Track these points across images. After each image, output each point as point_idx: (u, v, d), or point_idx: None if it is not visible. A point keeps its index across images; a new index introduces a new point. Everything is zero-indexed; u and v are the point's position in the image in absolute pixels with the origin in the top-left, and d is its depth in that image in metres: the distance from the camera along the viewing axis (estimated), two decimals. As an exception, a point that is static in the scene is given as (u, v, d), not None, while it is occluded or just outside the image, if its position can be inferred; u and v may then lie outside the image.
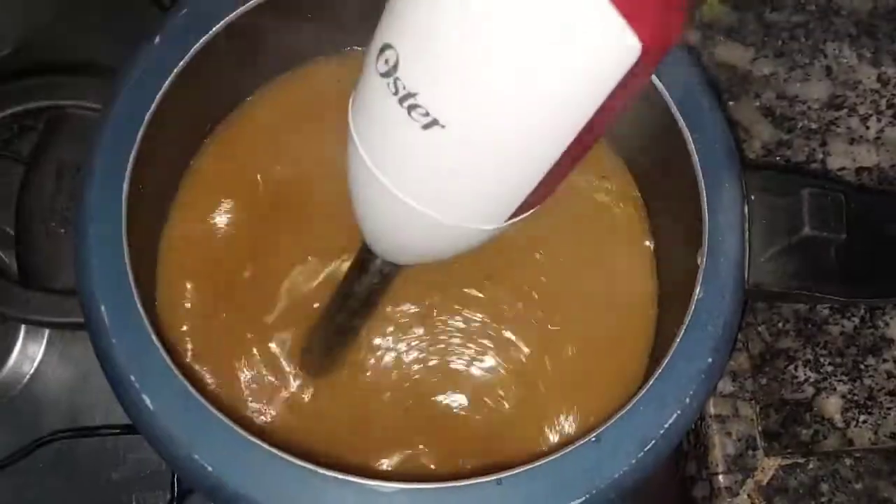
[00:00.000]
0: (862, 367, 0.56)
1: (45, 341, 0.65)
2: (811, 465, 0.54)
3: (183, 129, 0.48)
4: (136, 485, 0.62)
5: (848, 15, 0.61)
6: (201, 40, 0.44)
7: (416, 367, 0.48)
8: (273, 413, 0.46)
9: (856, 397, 0.55)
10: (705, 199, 0.42)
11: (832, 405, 0.55)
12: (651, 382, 0.39)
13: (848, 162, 0.59)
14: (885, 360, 0.56)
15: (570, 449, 0.37)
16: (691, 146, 0.43)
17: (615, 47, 0.24)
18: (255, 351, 0.47)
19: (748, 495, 0.53)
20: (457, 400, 0.47)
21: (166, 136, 0.44)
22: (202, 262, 0.48)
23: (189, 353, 0.46)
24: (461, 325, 0.48)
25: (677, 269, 0.45)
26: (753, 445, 0.54)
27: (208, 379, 0.46)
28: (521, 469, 0.37)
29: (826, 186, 0.42)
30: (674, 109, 0.44)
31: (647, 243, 0.50)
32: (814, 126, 0.59)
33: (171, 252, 0.49)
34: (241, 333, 0.47)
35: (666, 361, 0.39)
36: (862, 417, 0.55)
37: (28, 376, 0.64)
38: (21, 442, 0.57)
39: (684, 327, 0.40)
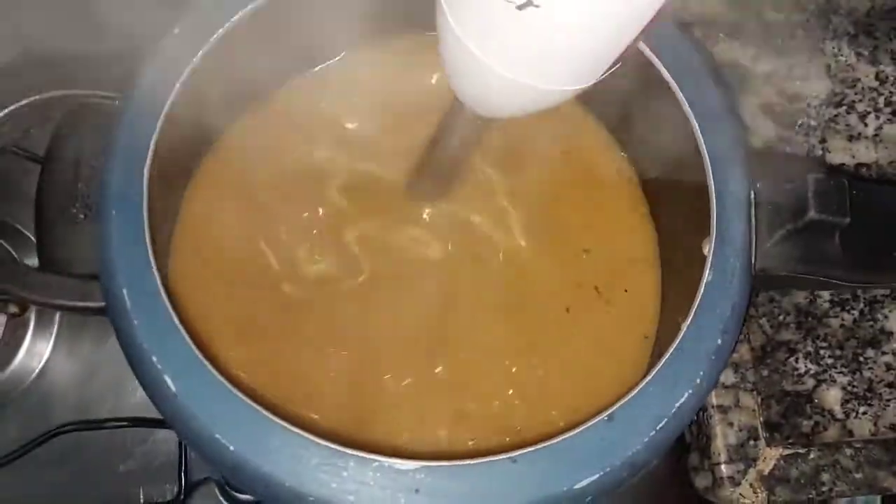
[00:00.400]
0: (861, 359, 0.57)
1: (53, 337, 0.65)
2: (812, 455, 0.54)
3: (202, 118, 0.48)
4: (144, 477, 0.63)
5: (846, 14, 0.63)
6: (224, 27, 0.45)
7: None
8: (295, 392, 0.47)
9: (855, 389, 0.56)
10: (712, 185, 0.43)
11: (832, 397, 0.56)
12: (662, 362, 0.40)
13: (847, 158, 0.60)
14: (884, 353, 0.57)
15: (583, 427, 0.38)
16: (698, 134, 0.44)
17: None
18: (271, 329, 0.48)
19: (750, 485, 0.54)
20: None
21: (187, 124, 0.45)
22: (217, 245, 0.49)
23: (208, 335, 0.46)
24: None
25: (683, 255, 0.46)
26: (755, 436, 0.55)
27: (227, 359, 0.46)
28: (536, 447, 0.37)
29: (831, 171, 0.43)
30: (681, 98, 0.45)
31: (650, 230, 0.52)
32: (813, 123, 0.60)
33: (186, 234, 0.50)
34: (255, 311, 0.48)
35: (676, 342, 0.40)
36: (862, 409, 0.56)
37: (36, 371, 0.64)
38: (30, 436, 0.57)
39: (694, 309, 0.41)
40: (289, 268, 0.49)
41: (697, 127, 0.44)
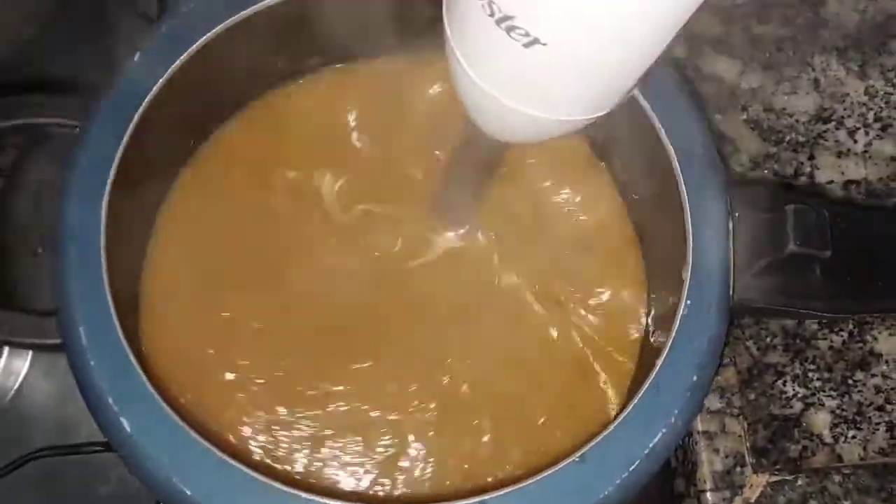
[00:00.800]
0: (850, 382, 0.55)
1: (29, 356, 0.64)
2: (800, 482, 0.53)
3: (162, 151, 0.47)
4: (122, 501, 0.62)
5: (835, 28, 0.61)
6: (181, 58, 0.44)
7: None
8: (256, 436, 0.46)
9: (844, 412, 0.55)
10: (689, 214, 0.42)
11: (821, 420, 0.55)
12: (635, 401, 0.39)
13: (836, 175, 0.58)
14: (873, 375, 0.56)
15: (555, 469, 0.37)
16: (675, 163, 0.43)
17: None
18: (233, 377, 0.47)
19: (737, 512, 0.53)
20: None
21: (145, 157, 0.44)
22: (184, 290, 0.48)
23: (170, 378, 0.45)
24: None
25: (666, 286, 0.45)
26: (742, 462, 0.53)
27: (187, 402, 0.45)
28: (507, 490, 0.36)
29: (810, 203, 0.42)
30: (657, 125, 0.44)
31: (636, 258, 0.50)
32: (801, 139, 0.59)
33: (155, 272, 0.48)
34: (220, 360, 0.47)
35: (650, 379, 0.39)
36: (851, 433, 0.55)
37: (13, 391, 0.63)
38: (6, 458, 0.56)
39: (669, 343, 0.40)
40: (263, 299, 0.48)
41: (674, 154, 0.43)
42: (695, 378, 0.40)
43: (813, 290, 0.43)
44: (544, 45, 0.30)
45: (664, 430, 0.39)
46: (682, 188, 0.43)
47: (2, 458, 0.56)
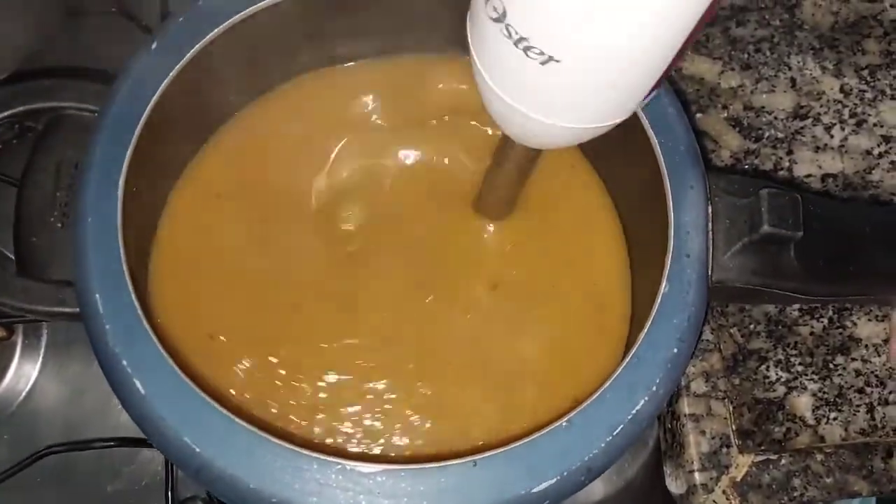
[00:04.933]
0: (831, 366, 0.58)
1: (40, 360, 0.66)
2: (783, 461, 0.55)
3: (179, 134, 0.50)
4: (132, 497, 0.64)
5: (811, 29, 0.64)
6: (197, 46, 0.46)
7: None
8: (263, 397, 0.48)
9: (826, 395, 0.57)
10: (671, 198, 0.44)
11: (803, 403, 0.57)
12: (619, 371, 0.41)
13: (814, 169, 0.61)
14: (853, 359, 0.58)
15: (542, 433, 0.39)
16: (657, 149, 0.45)
17: None
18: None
19: (723, 491, 0.55)
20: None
21: (163, 138, 0.47)
22: (195, 261, 0.50)
23: (182, 342, 0.47)
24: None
25: (650, 268, 0.47)
26: (727, 443, 0.55)
27: (199, 366, 0.47)
28: (496, 451, 0.38)
29: (784, 188, 0.44)
30: (640, 115, 0.46)
31: (621, 243, 0.53)
32: (780, 135, 0.62)
33: (165, 248, 0.51)
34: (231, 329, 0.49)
35: (634, 350, 0.41)
36: (832, 415, 0.57)
37: (24, 394, 0.65)
38: (18, 458, 0.58)
39: (651, 319, 0.42)
40: (277, 274, 0.51)
41: (658, 147, 0.45)
42: (675, 350, 0.42)
43: (787, 271, 0.45)
44: (559, 62, 0.32)
45: (646, 398, 0.41)
46: (665, 176, 0.45)
47: (14, 459, 0.57)
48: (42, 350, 0.66)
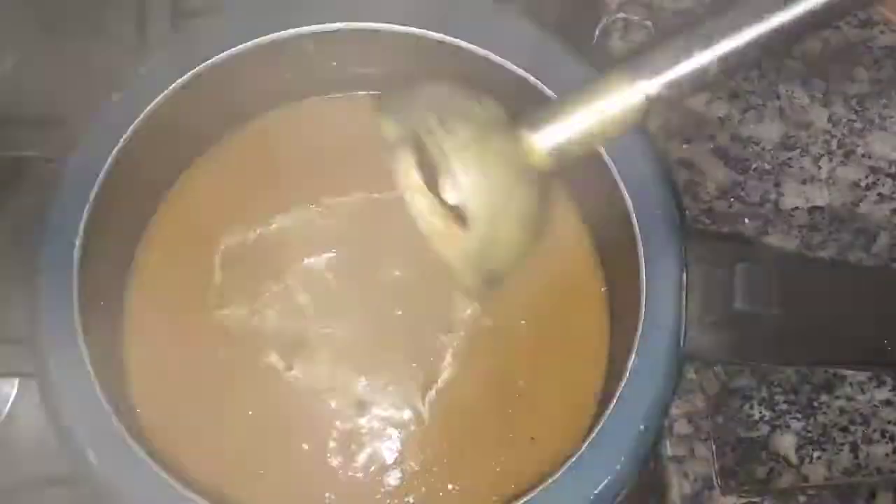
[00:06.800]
0: (816, 404, 0.57)
1: (17, 383, 0.65)
2: (766, 503, 0.55)
3: (138, 190, 0.49)
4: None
5: (800, 56, 0.63)
6: (158, 98, 0.46)
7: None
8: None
9: (810, 434, 0.57)
10: (643, 268, 0.44)
11: (787, 442, 0.56)
12: (580, 452, 0.40)
13: (801, 202, 0.60)
14: (837, 397, 0.57)
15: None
16: (632, 213, 0.45)
17: None
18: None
19: (705, 534, 0.54)
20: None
21: (122, 196, 0.46)
22: (165, 322, 0.50)
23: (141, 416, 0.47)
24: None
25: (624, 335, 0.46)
26: (710, 485, 0.55)
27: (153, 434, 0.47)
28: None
29: (762, 261, 0.43)
30: (617, 178, 0.45)
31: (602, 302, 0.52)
32: (767, 167, 0.61)
33: (135, 309, 0.51)
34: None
35: (597, 429, 0.41)
36: (816, 454, 0.56)
37: (2, 417, 0.64)
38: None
39: (616, 397, 0.41)
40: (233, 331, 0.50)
41: (632, 209, 0.45)
42: (641, 428, 0.41)
43: (762, 346, 0.44)
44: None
45: (610, 477, 0.40)
46: (639, 242, 0.44)
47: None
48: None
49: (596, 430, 0.41)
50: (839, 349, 0.48)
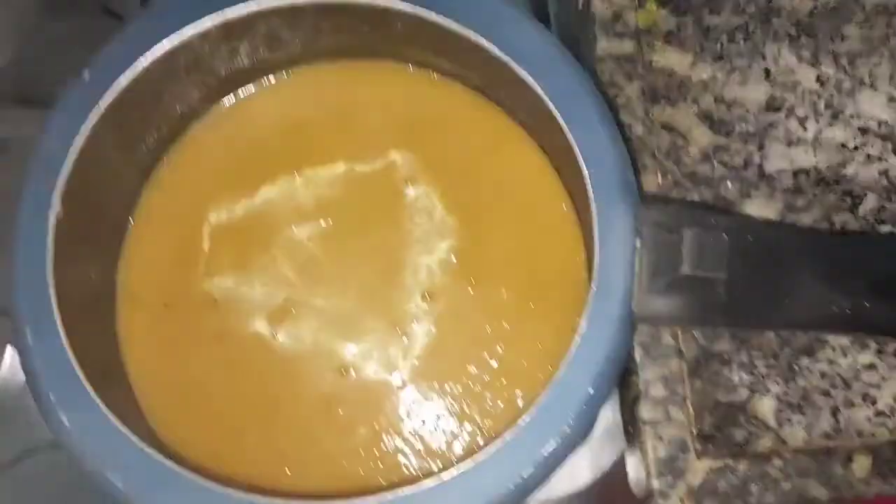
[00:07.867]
0: (796, 368, 0.57)
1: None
2: (741, 467, 0.55)
3: (113, 169, 0.51)
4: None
5: (787, 16, 0.62)
6: (129, 75, 0.47)
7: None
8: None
9: (789, 398, 0.56)
10: (597, 231, 0.44)
11: (766, 406, 0.56)
12: (529, 413, 0.41)
13: (785, 164, 0.59)
14: (818, 361, 0.57)
15: (447, 476, 0.40)
16: (587, 179, 0.45)
17: None
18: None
19: (680, 498, 0.55)
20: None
21: (96, 175, 0.48)
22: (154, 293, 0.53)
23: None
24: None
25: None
26: (685, 448, 0.55)
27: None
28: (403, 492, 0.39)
29: (712, 225, 0.43)
30: (573, 142, 0.45)
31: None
32: (751, 129, 0.60)
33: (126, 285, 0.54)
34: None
35: (546, 393, 0.41)
36: (796, 417, 0.56)
37: (20, 388, 0.67)
38: (16, 449, 0.60)
39: (567, 360, 0.42)
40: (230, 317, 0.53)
41: (588, 175, 0.45)
42: (591, 391, 0.42)
43: (715, 308, 0.44)
44: None
45: (559, 440, 0.41)
46: (593, 207, 0.44)
47: (10, 454, 0.60)
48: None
49: (543, 395, 0.42)
50: (796, 312, 0.47)
